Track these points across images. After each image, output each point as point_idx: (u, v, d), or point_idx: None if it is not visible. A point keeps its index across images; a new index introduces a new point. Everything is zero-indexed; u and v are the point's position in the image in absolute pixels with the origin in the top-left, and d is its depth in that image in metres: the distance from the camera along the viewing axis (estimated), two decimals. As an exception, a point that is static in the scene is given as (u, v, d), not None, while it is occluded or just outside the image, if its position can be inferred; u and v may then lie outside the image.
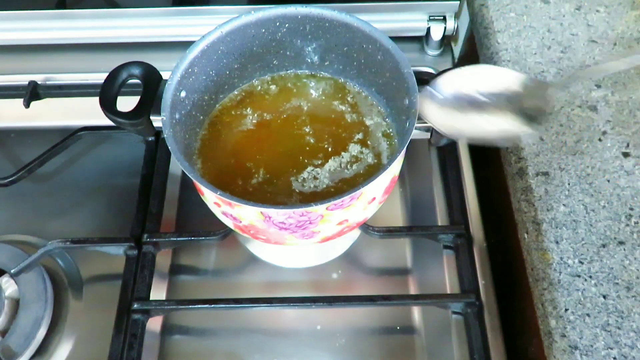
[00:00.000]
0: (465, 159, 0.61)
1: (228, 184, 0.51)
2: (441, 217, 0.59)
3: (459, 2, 0.64)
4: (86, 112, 0.63)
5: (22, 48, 0.69)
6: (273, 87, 0.58)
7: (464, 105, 0.45)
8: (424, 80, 0.47)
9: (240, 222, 0.47)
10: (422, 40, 0.69)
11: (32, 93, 0.65)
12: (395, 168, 0.48)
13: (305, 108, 0.56)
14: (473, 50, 0.63)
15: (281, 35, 0.54)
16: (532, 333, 0.48)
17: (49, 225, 0.61)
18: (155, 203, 0.58)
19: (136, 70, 0.51)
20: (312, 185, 0.51)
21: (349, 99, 0.56)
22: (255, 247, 0.59)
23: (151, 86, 0.50)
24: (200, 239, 0.56)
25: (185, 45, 0.50)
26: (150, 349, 0.53)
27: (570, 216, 0.46)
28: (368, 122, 0.55)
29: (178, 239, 0.56)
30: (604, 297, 0.43)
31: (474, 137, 0.46)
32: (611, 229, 0.46)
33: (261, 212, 0.44)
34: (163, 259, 0.58)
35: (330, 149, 0.53)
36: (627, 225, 0.46)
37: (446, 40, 0.69)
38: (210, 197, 0.46)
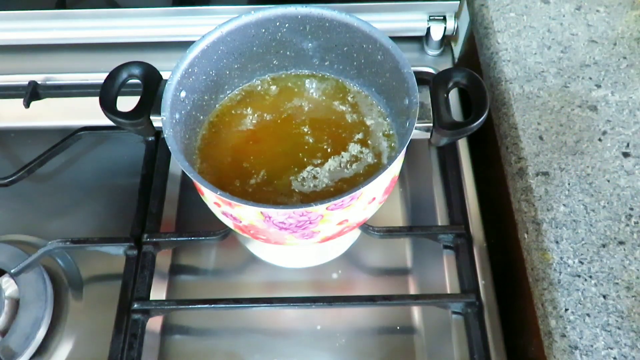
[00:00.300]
0: (465, 159, 0.61)
1: (228, 184, 0.51)
2: (441, 217, 0.59)
3: (459, 2, 0.64)
4: (86, 112, 0.63)
5: (22, 48, 0.69)
6: (273, 87, 0.58)
7: None
8: (424, 80, 0.47)
9: (240, 222, 0.47)
10: (422, 40, 0.69)
11: (32, 93, 0.65)
12: (395, 168, 0.48)
13: (305, 108, 0.56)
14: (473, 50, 0.63)
15: (281, 35, 0.54)
16: (532, 333, 0.48)
17: (49, 225, 0.61)
18: (155, 203, 0.58)
19: (136, 70, 0.51)
20: (311, 185, 0.51)
21: (349, 98, 0.56)
22: (255, 247, 0.59)
23: (151, 86, 0.50)
24: (200, 239, 0.56)
25: (185, 45, 0.50)
26: (150, 349, 0.53)
27: (570, 216, 0.46)
28: (368, 122, 0.55)
29: (178, 239, 0.56)
30: (604, 297, 0.43)
31: None
32: (611, 229, 0.46)
33: (261, 212, 0.44)
34: (163, 259, 0.58)
35: (330, 149, 0.53)
36: (627, 225, 0.46)
37: (446, 40, 0.69)
38: (210, 197, 0.46)
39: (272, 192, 0.50)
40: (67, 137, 0.63)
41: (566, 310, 0.42)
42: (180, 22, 0.65)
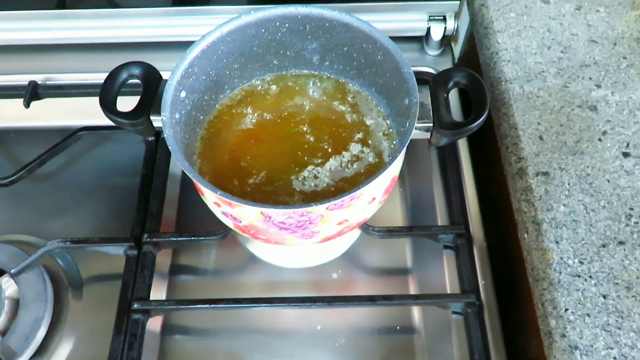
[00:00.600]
0: (465, 159, 0.61)
1: (228, 184, 0.51)
2: (441, 217, 0.59)
3: (459, 2, 0.64)
4: (86, 112, 0.63)
5: (22, 48, 0.69)
6: (273, 87, 0.58)
7: None
8: (424, 80, 0.47)
9: (240, 222, 0.47)
10: (422, 40, 0.69)
11: (32, 93, 0.65)
12: (395, 168, 0.48)
13: (306, 108, 0.56)
14: (473, 50, 0.63)
15: (281, 35, 0.54)
16: (532, 333, 0.48)
17: (49, 225, 0.61)
18: (155, 203, 0.58)
19: (136, 70, 0.51)
20: (312, 185, 0.51)
21: (349, 98, 0.56)
22: (255, 247, 0.59)
23: (151, 86, 0.50)
24: (200, 239, 0.56)
25: (185, 45, 0.50)
26: (150, 349, 0.53)
27: (570, 216, 0.46)
28: (368, 122, 0.55)
29: (178, 239, 0.56)
30: (604, 297, 0.43)
31: None
32: (611, 229, 0.46)
33: (261, 212, 0.44)
34: (163, 259, 0.58)
35: (330, 149, 0.53)
36: (627, 225, 0.46)
37: (446, 40, 0.69)
38: (210, 197, 0.46)
39: (273, 192, 0.50)
40: (67, 137, 0.63)
41: (566, 310, 0.42)
42: (180, 22, 0.65)
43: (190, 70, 0.50)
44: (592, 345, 0.41)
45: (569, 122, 0.52)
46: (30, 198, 0.63)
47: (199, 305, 0.52)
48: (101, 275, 0.58)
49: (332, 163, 0.52)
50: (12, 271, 0.53)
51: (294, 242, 0.48)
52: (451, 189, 0.58)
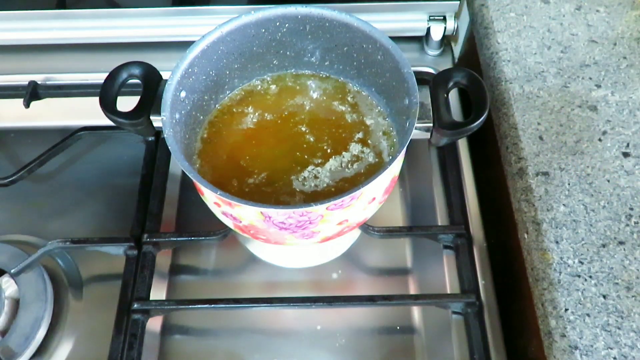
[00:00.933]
0: (465, 159, 0.61)
1: (228, 184, 0.51)
2: (441, 217, 0.59)
3: (459, 2, 0.64)
4: (86, 112, 0.63)
5: (22, 48, 0.69)
6: (273, 87, 0.58)
7: None
8: (424, 80, 0.47)
9: (240, 222, 0.47)
10: (422, 40, 0.69)
11: (32, 93, 0.65)
12: (395, 168, 0.48)
13: (306, 108, 0.56)
14: (473, 50, 0.63)
15: (281, 35, 0.54)
16: (532, 333, 0.48)
17: (49, 225, 0.61)
18: (155, 203, 0.58)
19: (136, 70, 0.51)
20: (312, 185, 0.51)
21: (349, 98, 0.56)
22: (255, 247, 0.59)
23: (151, 86, 0.50)
24: (200, 239, 0.56)
25: (185, 45, 0.50)
26: (150, 349, 0.53)
27: (570, 216, 0.46)
28: (368, 122, 0.55)
29: (178, 239, 0.56)
30: (604, 297, 0.43)
31: None
32: (611, 229, 0.46)
33: (261, 212, 0.44)
34: (163, 259, 0.58)
35: (330, 149, 0.53)
36: (627, 225, 0.46)
37: (446, 40, 0.69)
38: (210, 197, 0.46)
39: (273, 192, 0.50)
40: (67, 137, 0.63)
41: (566, 310, 0.42)
42: (180, 22, 0.65)
43: (190, 70, 0.50)
44: (592, 345, 0.41)
45: (569, 122, 0.52)
46: (30, 198, 0.63)
47: (199, 305, 0.52)
48: (101, 275, 0.58)
49: (332, 163, 0.52)
50: (12, 271, 0.53)
51: (294, 242, 0.48)
52: (451, 189, 0.58)
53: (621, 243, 0.45)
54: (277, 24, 0.53)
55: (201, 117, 0.55)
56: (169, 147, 0.44)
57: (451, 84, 0.49)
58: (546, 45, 0.57)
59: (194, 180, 0.44)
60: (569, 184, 0.48)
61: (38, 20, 0.66)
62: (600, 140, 0.50)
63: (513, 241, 0.51)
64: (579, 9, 0.59)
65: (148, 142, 0.63)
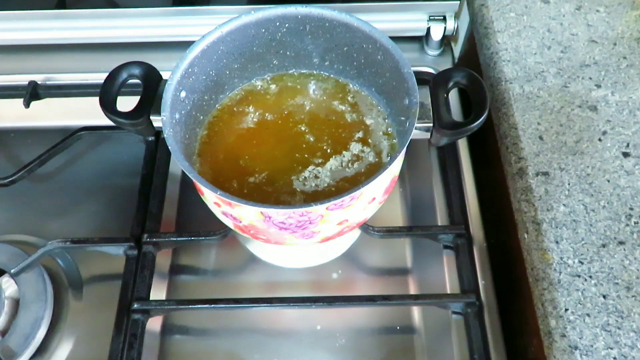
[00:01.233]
0: (465, 159, 0.61)
1: (228, 184, 0.51)
2: (441, 217, 0.59)
3: (459, 2, 0.64)
4: (86, 112, 0.63)
5: (22, 48, 0.68)
6: (273, 87, 0.58)
7: None
8: (424, 80, 0.47)
9: (240, 222, 0.47)
10: (422, 40, 0.69)
11: (32, 93, 0.65)
12: (395, 168, 0.48)
13: (306, 108, 0.56)
14: (473, 50, 0.63)
15: (281, 35, 0.54)
16: (532, 333, 0.48)
17: (49, 225, 0.61)
18: (155, 203, 0.58)
19: (136, 70, 0.51)
20: (313, 185, 0.51)
21: (349, 98, 0.56)
22: (255, 247, 0.59)
23: (151, 86, 0.50)
24: (200, 239, 0.56)
25: (185, 45, 0.50)
26: (150, 349, 0.53)
27: (570, 216, 0.46)
28: (368, 122, 0.55)
29: (178, 239, 0.56)
30: (604, 297, 0.43)
31: None
32: (611, 229, 0.46)
33: (261, 212, 0.43)
34: (163, 259, 0.58)
35: (330, 148, 0.53)
36: (627, 225, 0.46)
37: (446, 40, 0.69)
38: (210, 197, 0.46)
39: (273, 192, 0.50)
40: (67, 137, 0.63)
41: (566, 310, 0.42)
42: (180, 22, 0.65)
43: (190, 70, 0.50)
44: (592, 345, 0.41)
45: (569, 122, 0.52)
46: (30, 198, 0.63)
47: (199, 305, 0.52)
48: (101, 275, 0.58)
49: (333, 163, 0.52)
50: (12, 271, 0.53)
51: (294, 242, 0.48)
52: (451, 189, 0.58)
53: (621, 243, 0.45)
54: (277, 24, 0.53)
55: (201, 117, 0.55)
56: (169, 147, 0.44)
57: (451, 84, 0.49)
58: (546, 45, 0.57)
59: (194, 180, 0.44)
60: (569, 184, 0.48)
61: (38, 20, 0.66)
62: (600, 140, 0.50)
63: (513, 241, 0.51)
64: (579, 9, 0.59)
65: (148, 142, 0.63)
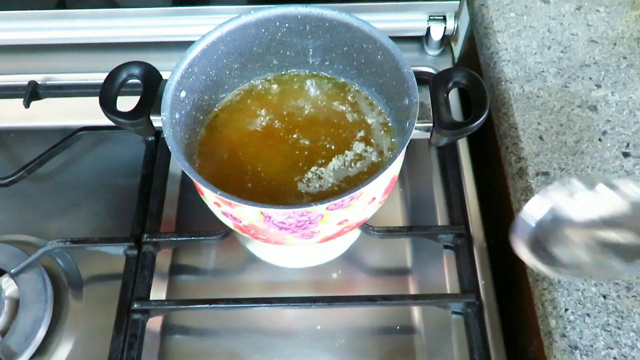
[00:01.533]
0: (465, 159, 0.61)
1: (228, 184, 0.51)
2: (441, 217, 0.59)
3: (459, 2, 0.64)
4: (86, 112, 0.63)
5: (22, 48, 0.69)
6: (273, 87, 0.58)
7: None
8: (424, 80, 0.47)
9: (240, 222, 0.47)
10: (422, 40, 0.69)
11: (32, 93, 0.65)
12: (395, 168, 0.48)
13: (306, 108, 0.56)
14: (473, 50, 0.63)
15: (281, 35, 0.54)
16: (532, 333, 0.48)
17: (49, 225, 0.61)
18: (155, 203, 0.58)
19: (136, 70, 0.51)
20: (317, 185, 0.50)
21: (349, 98, 0.56)
22: (255, 247, 0.59)
23: (151, 86, 0.50)
24: (200, 239, 0.56)
25: (185, 45, 0.50)
26: (150, 349, 0.53)
27: (570, 216, 0.46)
28: (368, 121, 0.55)
29: (178, 239, 0.56)
30: (604, 297, 0.43)
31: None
32: (611, 229, 0.46)
33: (261, 212, 0.44)
34: (163, 259, 0.58)
35: (332, 148, 0.53)
36: (627, 225, 0.46)
37: (446, 40, 0.69)
38: (210, 197, 0.46)
39: (273, 191, 0.50)
40: (67, 137, 0.63)
41: (566, 310, 0.42)
42: (180, 22, 0.65)
43: (190, 70, 0.50)
44: (592, 345, 0.41)
45: (569, 122, 0.52)
46: (30, 198, 0.63)
47: (199, 305, 0.52)
48: (101, 275, 0.58)
49: (335, 163, 0.52)
50: (12, 271, 0.53)
51: (294, 242, 0.48)
52: (451, 189, 0.58)
53: (621, 243, 0.45)
54: (277, 24, 0.53)
55: (201, 117, 0.55)
56: (169, 147, 0.44)
57: (451, 84, 0.49)
58: (546, 45, 0.57)
59: (194, 180, 0.44)
60: (569, 184, 0.48)
61: (38, 20, 0.66)
62: (600, 140, 0.50)
63: (513, 241, 0.51)
64: (579, 9, 0.59)
65: (148, 142, 0.63)
